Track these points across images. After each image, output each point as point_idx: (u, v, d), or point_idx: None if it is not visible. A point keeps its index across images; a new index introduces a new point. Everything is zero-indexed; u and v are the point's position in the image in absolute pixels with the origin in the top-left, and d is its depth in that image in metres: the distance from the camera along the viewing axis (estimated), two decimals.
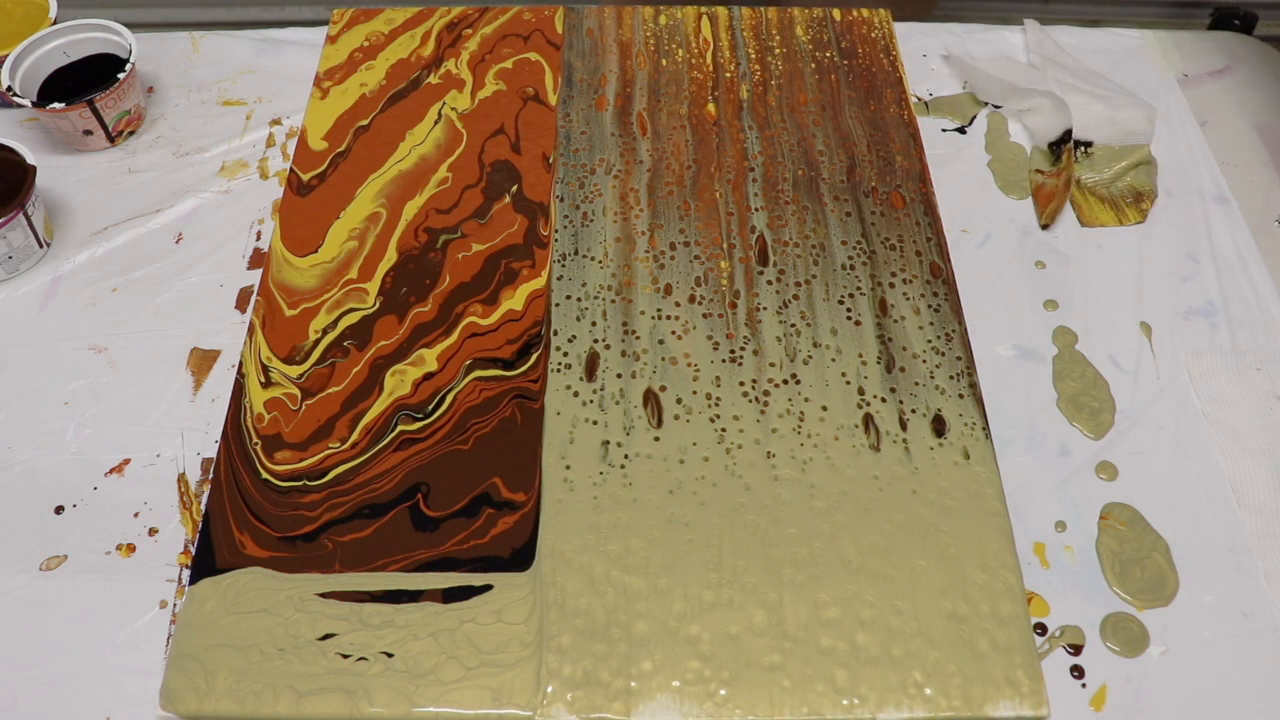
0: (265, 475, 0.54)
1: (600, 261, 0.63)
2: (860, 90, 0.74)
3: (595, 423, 0.56)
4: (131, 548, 0.53)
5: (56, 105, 0.66)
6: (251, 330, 0.60)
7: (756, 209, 0.66)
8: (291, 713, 0.47)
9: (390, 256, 0.63)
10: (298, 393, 0.57)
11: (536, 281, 0.62)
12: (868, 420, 0.56)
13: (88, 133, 0.69)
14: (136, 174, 0.69)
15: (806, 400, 0.57)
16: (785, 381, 0.58)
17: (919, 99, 0.75)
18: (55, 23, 0.71)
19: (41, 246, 0.64)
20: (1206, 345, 0.61)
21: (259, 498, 0.54)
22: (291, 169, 0.68)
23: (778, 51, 0.76)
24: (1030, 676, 0.48)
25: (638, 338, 0.59)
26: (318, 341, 0.60)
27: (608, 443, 0.55)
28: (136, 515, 0.54)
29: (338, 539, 0.52)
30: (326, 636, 0.49)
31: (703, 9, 0.80)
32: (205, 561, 0.51)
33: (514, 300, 0.61)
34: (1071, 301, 0.63)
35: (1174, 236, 0.67)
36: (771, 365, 0.58)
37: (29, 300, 0.63)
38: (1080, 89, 0.72)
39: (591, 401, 0.57)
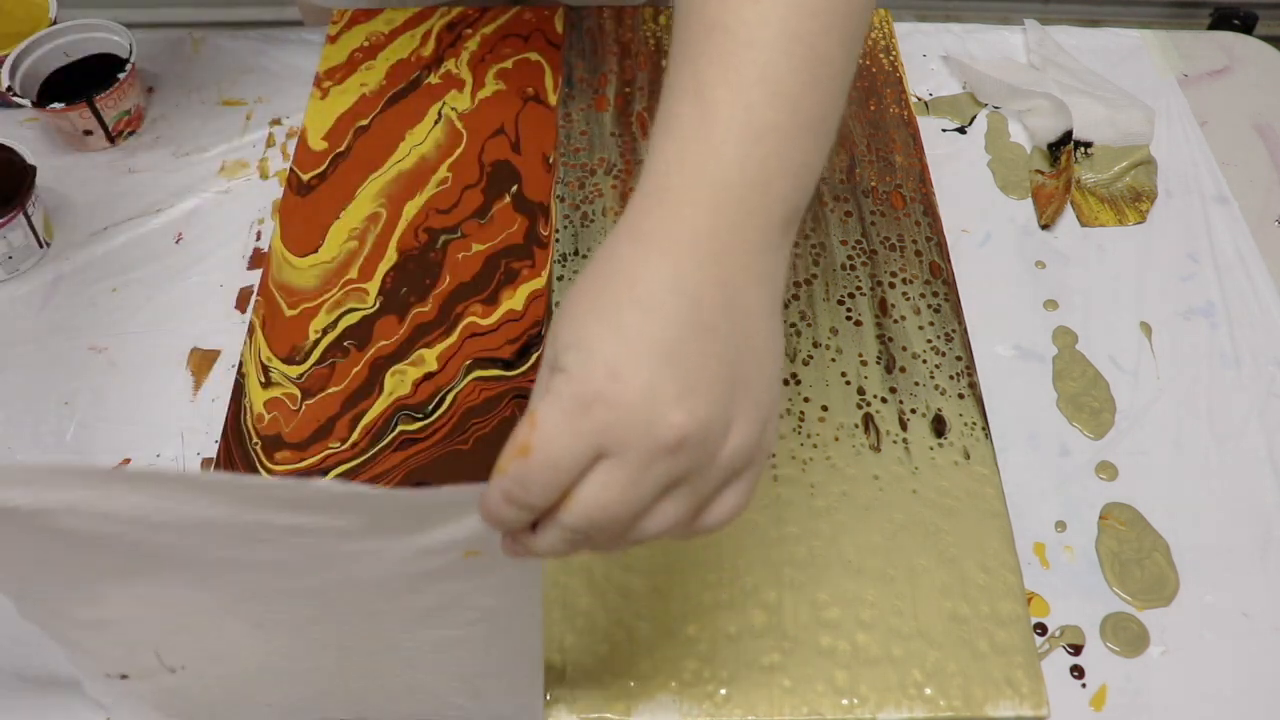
0: (265, 475, 0.54)
1: None
2: (860, 90, 0.74)
3: None
4: None
5: (56, 105, 0.66)
6: (251, 330, 0.60)
7: None
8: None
9: (390, 256, 0.63)
10: (298, 393, 0.57)
11: (536, 281, 0.62)
12: (868, 420, 0.56)
13: (88, 133, 0.69)
14: (136, 174, 0.69)
15: (806, 400, 0.57)
16: (785, 381, 0.58)
17: (919, 99, 0.75)
18: (55, 23, 0.71)
19: (41, 246, 0.64)
20: (1206, 345, 0.61)
21: None
22: (291, 169, 0.68)
23: None
24: (1030, 677, 0.48)
25: None
26: (318, 341, 0.60)
27: None
28: None
29: None
30: None
31: None
32: None
33: (514, 300, 0.61)
34: (1071, 301, 0.63)
35: (1174, 236, 0.67)
36: None
37: (29, 300, 0.63)
38: (1080, 90, 0.72)
39: None
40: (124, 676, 0.43)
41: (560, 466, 0.30)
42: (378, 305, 0.61)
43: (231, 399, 0.57)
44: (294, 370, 0.58)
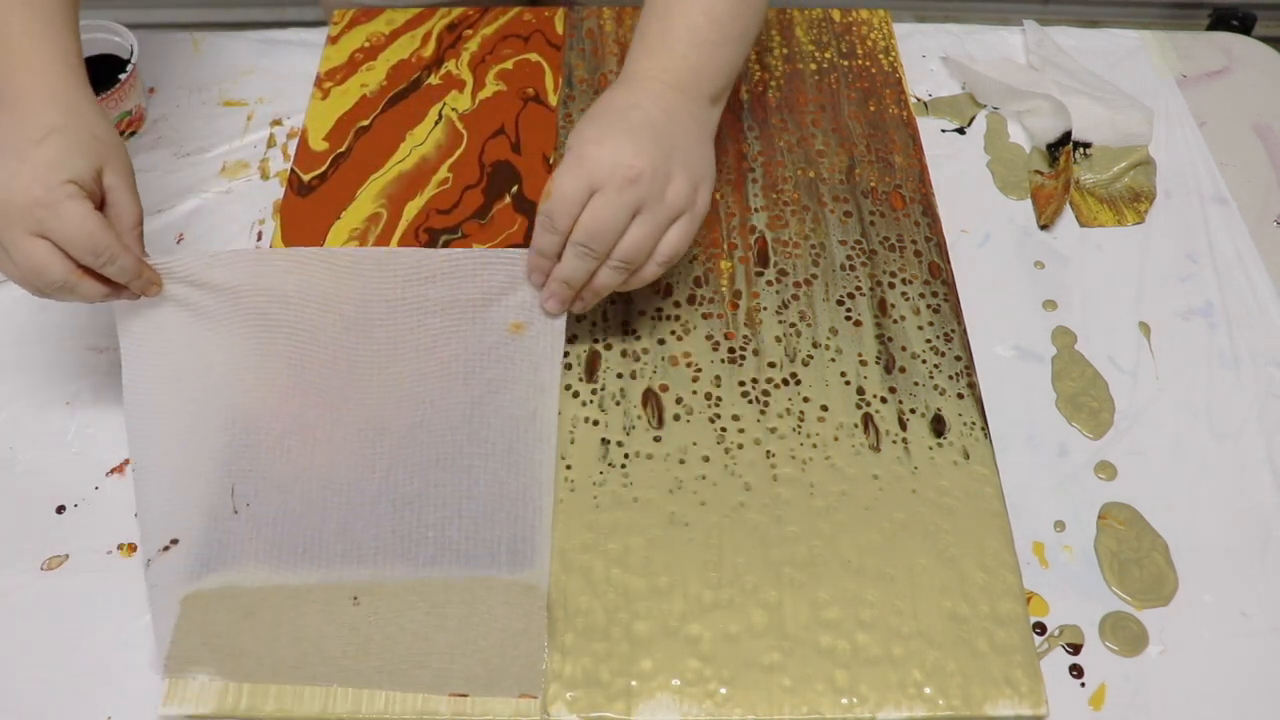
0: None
1: None
2: (860, 91, 0.74)
3: (595, 422, 0.56)
4: (132, 547, 0.53)
5: None
6: None
7: (756, 209, 0.66)
8: (293, 711, 0.47)
9: None
10: None
11: None
12: (867, 420, 0.56)
13: None
14: (138, 174, 0.69)
15: (806, 400, 0.57)
16: (785, 381, 0.58)
17: (918, 99, 0.75)
18: None
19: None
20: (1205, 346, 0.61)
21: None
22: (292, 169, 0.69)
23: (777, 52, 0.77)
24: (1029, 676, 0.48)
25: (638, 338, 0.60)
26: None
27: (608, 442, 0.55)
28: (138, 515, 0.54)
29: None
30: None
31: None
32: None
33: None
34: (1071, 302, 0.63)
35: (1173, 237, 0.67)
36: (771, 365, 0.58)
37: (30, 300, 0.63)
38: (1079, 90, 0.72)
39: (592, 401, 0.57)
40: (174, 541, 0.50)
41: (568, 198, 0.49)
42: None
43: None
44: None
